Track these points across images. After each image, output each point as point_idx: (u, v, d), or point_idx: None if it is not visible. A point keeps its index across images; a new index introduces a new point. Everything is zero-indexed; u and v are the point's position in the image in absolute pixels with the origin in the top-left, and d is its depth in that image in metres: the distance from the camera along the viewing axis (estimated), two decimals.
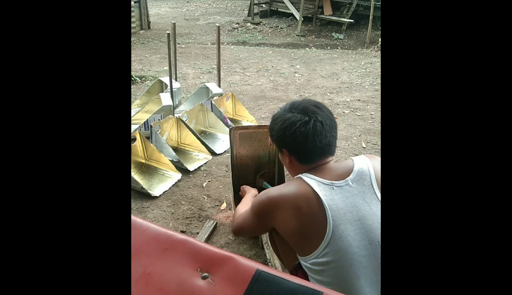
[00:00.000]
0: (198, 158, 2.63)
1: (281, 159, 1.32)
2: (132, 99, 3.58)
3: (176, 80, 3.46)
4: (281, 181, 2.02)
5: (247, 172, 2.06)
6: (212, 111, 2.97)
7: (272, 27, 8.62)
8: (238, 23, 8.96)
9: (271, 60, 5.70)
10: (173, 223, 2.01)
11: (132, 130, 2.73)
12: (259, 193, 1.40)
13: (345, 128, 3.16)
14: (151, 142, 2.52)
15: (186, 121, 2.77)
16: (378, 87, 4.29)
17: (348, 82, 4.52)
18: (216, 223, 1.98)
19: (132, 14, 7.34)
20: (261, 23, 8.87)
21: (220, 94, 3.16)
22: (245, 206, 1.49)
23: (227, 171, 2.49)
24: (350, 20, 7.94)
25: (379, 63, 5.17)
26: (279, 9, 9.31)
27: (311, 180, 1.13)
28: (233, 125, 2.71)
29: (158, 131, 2.50)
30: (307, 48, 6.84)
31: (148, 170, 2.46)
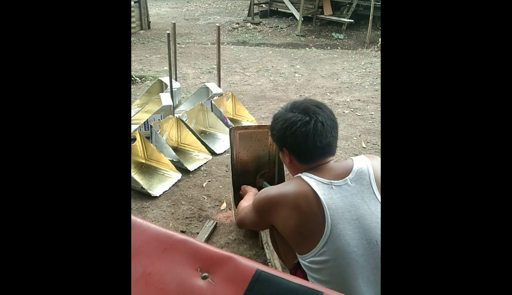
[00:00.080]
0: (198, 158, 2.63)
1: (282, 158, 1.33)
2: (132, 99, 3.58)
3: (176, 80, 3.46)
4: (281, 180, 2.02)
5: (247, 171, 2.06)
6: (212, 111, 2.97)
7: (272, 27, 8.62)
8: (238, 23, 8.96)
9: (271, 60, 5.70)
10: (173, 223, 2.01)
11: (132, 130, 2.73)
12: None
13: (345, 128, 3.16)
14: (151, 142, 2.52)
15: (186, 121, 2.77)
16: (378, 87, 4.29)
17: (348, 82, 4.52)
18: (216, 223, 1.98)
19: (132, 14, 7.34)
20: (261, 23, 8.87)
21: (220, 94, 3.16)
22: (248, 200, 1.54)
23: (227, 171, 2.49)
24: (350, 20, 7.95)
25: (379, 63, 5.18)
26: (279, 9, 9.31)
27: (311, 179, 1.14)
28: (233, 125, 2.71)
29: (158, 131, 2.50)
30: (307, 48, 6.84)
31: (148, 170, 2.46)
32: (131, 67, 4.79)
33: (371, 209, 1.11)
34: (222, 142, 2.83)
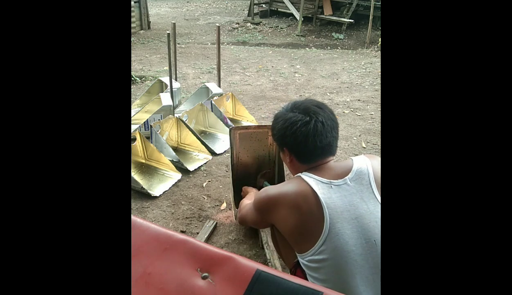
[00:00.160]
0: (198, 158, 2.63)
1: (282, 157, 1.35)
2: (132, 99, 3.58)
3: (176, 80, 3.46)
4: (281, 180, 2.02)
5: (247, 171, 2.06)
6: (212, 111, 2.97)
7: (272, 27, 8.62)
8: (238, 23, 8.96)
9: (271, 60, 5.70)
10: (173, 223, 2.01)
11: (132, 130, 2.73)
12: None
13: (345, 128, 3.16)
14: (151, 142, 2.52)
15: (186, 121, 2.77)
16: (378, 87, 4.29)
17: (348, 82, 4.52)
18: (216, 223, 1.98)
19: (132, 14, 7.34)
20: (261, 23, 8.87)
21: (220, 94, 3.16)
22: (250, 198, 1.57)
23: (227, 171, 2.49)
24: (350, 20, 7.94)
25: (379, 63, 5.18)
26: (279, 9, 9.31)
27: (310, 179, 1.14)
28: (233, 125, 2.71)
29: (158, 131, 2.50)
30: (307, 48, 6.84)
31: (148, 170, 2.46)
32: (131, 67, 4.79)
33: (370, 208, 1.11)
34: (222, 142, 2.83)
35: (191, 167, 2.48)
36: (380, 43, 6.63)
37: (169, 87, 2.89)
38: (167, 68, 3.89)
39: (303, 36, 7.94)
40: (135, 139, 2.48)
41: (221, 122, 2.92)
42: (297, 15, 8.31)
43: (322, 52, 6.42)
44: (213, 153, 2.69)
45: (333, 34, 7.98)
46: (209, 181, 2.38)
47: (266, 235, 1.73)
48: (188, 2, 12.73)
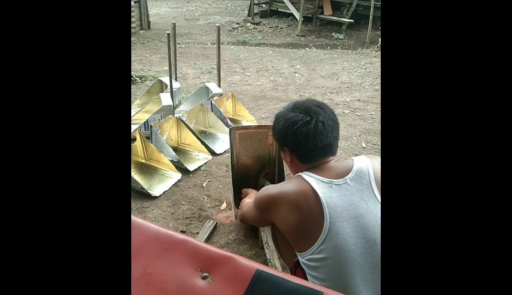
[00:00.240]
0: (198, 158, 2.63)
1: (283, 157, 1.35)
2: (132, 99, 3.58)
3: (176, 80, 3.46)
4: (282, 180, 2.02)
5: (247, 172, 2.06)
6: (212, 111, 2.97)
7: (272, 27, 8.62)
8: (238, 23, 8.96)
9: (271, 60, 5.70)
10: (173, 223, 2.01)
11: (132, 130, 2.73)
12: None
13: (345, 128, 3.16)
14: (151, 142, 2.52)
15: (186, 121, 2.77)
16: (378, 87, 4.29)
17: (348, 82, 4.52)
18: (216, 223, 1.98)
19: (132, 14, 7.34)
20: (261, 23, 8.87)
21: (220, 94, 3.16)
22: (251, 197, 1.60)
23: (227, 171, 2.49)
24: (350, 20, 7.94)
25: (379, 63, 5.17)
26: (279, 9, 9.31)
27: (310, 178, 1.15)
28: (233, 125, 2.71)
29: (158, 131, 2.50)
30: (307, 48, 6.84)
31: (148, 170, 2.46)
32: (131, 67, 4.79)
33: (370, 208, 1.11)
34: (222, 142, 2.83)
35: (191, 167, 2.48)
36: (380, 43, 6.63)
37: (169, 87, 2.89)
38: (167, 68, 3.89)
39: (303, 36, 7.94)
40: (135, 139, 2.48)
41: (221, 122, 2.92)
42: (297, 15, 8.31)
43: (322, 52, 6.42)
44: (213, 153, 2.69)
45: (333, 34, 7.98)
46: (209, 181, 2.38)
47: (266, 235, 1.73)
48: (188, 2, 12.73)
